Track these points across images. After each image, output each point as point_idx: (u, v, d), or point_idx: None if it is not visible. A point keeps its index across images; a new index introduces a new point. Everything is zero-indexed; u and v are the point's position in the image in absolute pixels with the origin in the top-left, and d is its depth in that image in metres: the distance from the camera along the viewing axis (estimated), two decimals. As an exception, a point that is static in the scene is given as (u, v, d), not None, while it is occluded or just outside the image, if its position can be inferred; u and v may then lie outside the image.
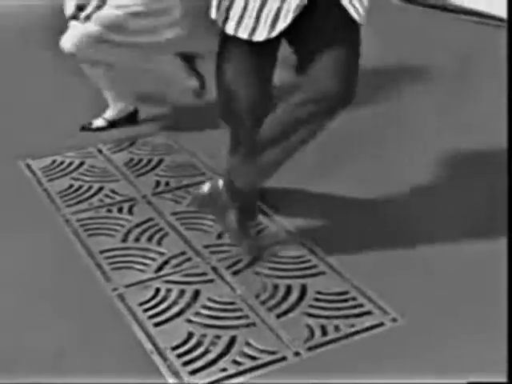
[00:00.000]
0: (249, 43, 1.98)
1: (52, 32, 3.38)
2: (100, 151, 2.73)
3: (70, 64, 2.94)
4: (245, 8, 1.95)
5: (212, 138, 2.84)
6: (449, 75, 3.42)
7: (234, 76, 2.12)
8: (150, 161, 2.65)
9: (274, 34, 1.92)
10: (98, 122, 2.98)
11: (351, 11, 1.93)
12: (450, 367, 1.72)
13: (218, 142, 2.77)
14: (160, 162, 2.65)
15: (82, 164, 2.63)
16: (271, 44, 2.02)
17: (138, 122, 3.01)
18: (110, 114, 2.99)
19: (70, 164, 2.63)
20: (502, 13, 4.16)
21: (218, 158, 2.60)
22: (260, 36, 1.94)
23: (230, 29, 1.98)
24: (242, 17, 1.96)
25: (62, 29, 2.75)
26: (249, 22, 1.95)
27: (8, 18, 4.66)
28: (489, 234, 2.18)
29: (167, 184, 2.49)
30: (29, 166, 2.62)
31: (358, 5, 1.94)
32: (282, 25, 1.91)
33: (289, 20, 1.91)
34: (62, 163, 2.64)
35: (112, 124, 2.98)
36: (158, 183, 2.50)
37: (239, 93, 2.14)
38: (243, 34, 1.95)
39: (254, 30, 1.95)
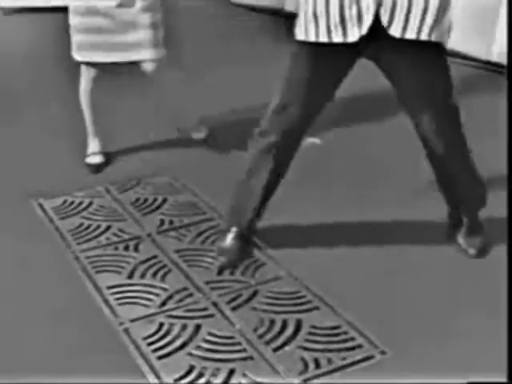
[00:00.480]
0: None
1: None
2: (108, 191, 2.88)
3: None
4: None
5: (213, 178, 2.99)
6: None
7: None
8: (154, 200, 2.80)
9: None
10: (96, 159, 3.19)
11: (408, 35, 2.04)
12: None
13: (218, 181, 2.95)
14: (164, 201, 2.79)
15: (91, 203, 2.77)
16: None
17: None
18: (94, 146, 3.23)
19: (80, 203, 2.78)
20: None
21: (219, 197, 2.78)
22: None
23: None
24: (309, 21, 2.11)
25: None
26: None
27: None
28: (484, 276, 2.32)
29: (171, 222, 2.63)
30: (41, 206, 2.76)
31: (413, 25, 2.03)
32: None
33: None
34: (72, 203, 2.79)
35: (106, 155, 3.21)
36: (162, 222, 2.64)
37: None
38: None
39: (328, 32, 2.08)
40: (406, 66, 2.18)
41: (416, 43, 2.09)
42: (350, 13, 2.04)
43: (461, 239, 2.52)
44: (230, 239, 2.43)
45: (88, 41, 3.05)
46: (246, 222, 2.42)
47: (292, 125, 2.24)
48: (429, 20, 2.07)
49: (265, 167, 2.31)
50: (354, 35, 2.05)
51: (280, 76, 2.25)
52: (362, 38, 2.07)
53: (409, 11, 2.05)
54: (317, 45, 2.14)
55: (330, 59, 2.18)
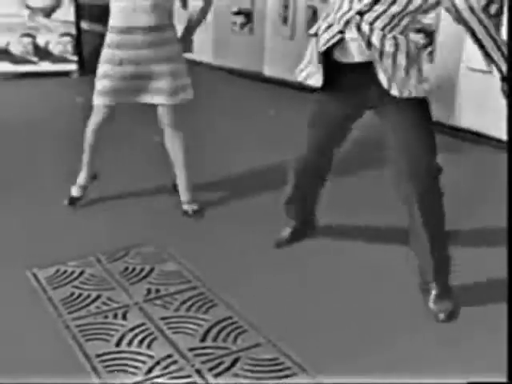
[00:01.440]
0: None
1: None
2: (99, 260, 3.02)
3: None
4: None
5: (198, 247, 3.16)
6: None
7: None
8: (142, 270, 2.95)
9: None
10: (74, 192, 3.62)
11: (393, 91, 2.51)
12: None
13: (203, 250, 3.12)
14: (151, 270, 2.94)
15: (82, 273, 2.91)
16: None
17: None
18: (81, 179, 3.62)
19: (72, 273, 2.92)
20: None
21: (203, 266, 2.94)
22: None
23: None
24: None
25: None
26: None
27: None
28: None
29: (157, 291, 2.77)
30: (35, 276, 2.90)
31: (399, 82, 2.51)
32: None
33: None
34: (65, 272, 2.93)
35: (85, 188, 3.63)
36: (149, 291, 2.78)
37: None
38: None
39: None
40: (395, 115, 2.61)
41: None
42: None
43: (431, 304, 2.68)
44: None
45: (106, 86, 3.39)
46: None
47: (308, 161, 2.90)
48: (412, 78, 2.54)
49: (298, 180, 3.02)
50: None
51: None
52: (363, 90, 2.59)
53: (397, 73, 2.52)
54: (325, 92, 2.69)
55: (336, 104, 2.71)
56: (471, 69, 4.70)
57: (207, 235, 3.31)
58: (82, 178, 3.67)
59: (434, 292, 2.69)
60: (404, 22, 2.50)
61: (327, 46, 2.56)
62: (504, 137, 4.24)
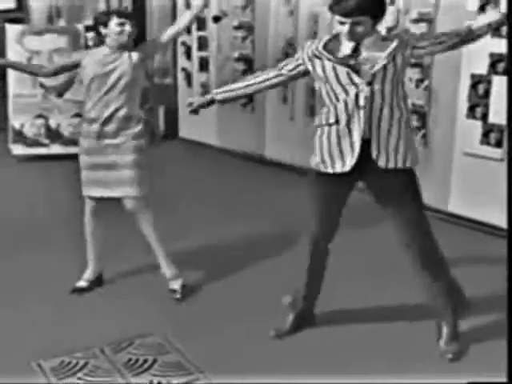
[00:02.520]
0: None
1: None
2: (103, 351, 3.11)
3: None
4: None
5: (199, 336, 3.24)
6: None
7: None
8: (145, 361, 3.03)
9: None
10: (81, 283, 3.77)
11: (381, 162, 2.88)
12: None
13: (204, 340, 3.19)
14: (154, 362, 3.02)
15: (86, 364, 3.00)
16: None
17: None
18: (87, 274, 3.79)
19: (76, 364, 3.00)
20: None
21: (205, 357, 3.00)
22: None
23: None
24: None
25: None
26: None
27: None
28: None
29: (159, 383, 2.85)
30: (40, 366, 2.99)
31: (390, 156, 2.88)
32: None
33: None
34: (69, 363, 3.01)
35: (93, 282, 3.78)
36: (151, 383, 2.85)
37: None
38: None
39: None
40: (386, 185, 2.94)
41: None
42: (345, 147, 2.90)
43: (442, 344, 3.07)
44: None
45: (89, 177, 3.65)
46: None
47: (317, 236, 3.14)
48: (401, 150, 2.87)
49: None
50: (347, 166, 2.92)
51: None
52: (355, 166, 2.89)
53: (388, 144, 2.85)
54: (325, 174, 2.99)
55: (335, 185, 3.01)
56: (466, 153, 4.82)
57: (207, 321, 3.40)
58: (88, 272, 3.82)
59: (445, 333, 3.06)
60: (400, 79, 2.86)
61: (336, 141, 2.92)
62: (500, 223, 4.28)
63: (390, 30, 5.32)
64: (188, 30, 7.80)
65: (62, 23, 11.20)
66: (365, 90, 2.81)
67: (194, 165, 6.92)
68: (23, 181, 6.44)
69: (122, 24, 3.50)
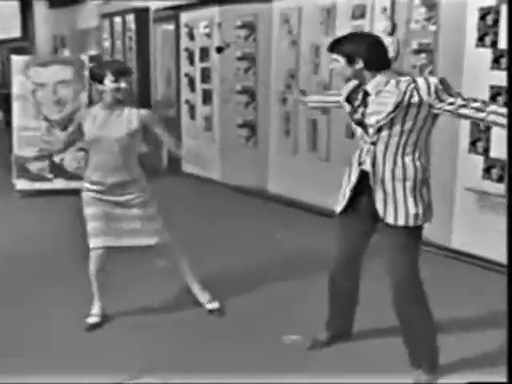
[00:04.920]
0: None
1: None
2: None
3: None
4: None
5: (199, 376, 3.19)
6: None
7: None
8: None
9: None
10: (93, 319, 3.78)
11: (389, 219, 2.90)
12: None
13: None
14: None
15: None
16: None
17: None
18: (95, 309, 3.81)
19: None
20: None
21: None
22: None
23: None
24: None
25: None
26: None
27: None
28: None
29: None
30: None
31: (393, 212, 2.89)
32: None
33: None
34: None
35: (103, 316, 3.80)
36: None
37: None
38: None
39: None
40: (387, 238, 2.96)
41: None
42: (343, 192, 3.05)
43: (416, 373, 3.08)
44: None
45: (99, 228, 3.64)
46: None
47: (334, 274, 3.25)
48: (403, 208, 2.87)
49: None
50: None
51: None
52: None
53: (395, 202, 2.87)
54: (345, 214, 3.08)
55: (353, 224, 3.10)
56: (468, 189, 4.80)
57: (208, 359, 3.35)
58: (96, 308, 3.83)
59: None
60: (413, 138, 2.84)
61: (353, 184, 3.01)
62: (501, 260, 4.26)
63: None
64: (191, 61, 7.90)
65: (66, 53, 11.36)
66: (367, 150, 2.91)
67: (196, 200, 6.93)
68: (27, 216, 6.46)
69: (116, 81, 3.48)
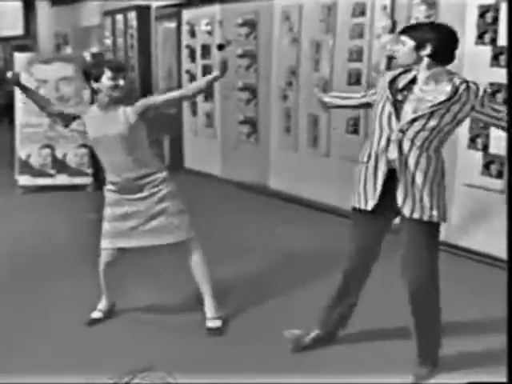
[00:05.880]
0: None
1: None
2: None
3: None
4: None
5: (204, 374, 3.21)
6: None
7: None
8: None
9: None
10: (96, 314, 3.79)
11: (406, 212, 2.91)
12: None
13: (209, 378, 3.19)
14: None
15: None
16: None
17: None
18: (102, 305, 3.82)
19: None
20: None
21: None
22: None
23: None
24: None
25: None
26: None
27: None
28: None
29: None
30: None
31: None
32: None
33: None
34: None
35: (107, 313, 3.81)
36: None
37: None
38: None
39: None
40: (406, 229, 2.95)
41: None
42: (369, 187, 2.97)
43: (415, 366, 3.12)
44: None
45: (108, 229, 3.61)
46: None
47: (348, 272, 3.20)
48: (426, 202, 2.87)
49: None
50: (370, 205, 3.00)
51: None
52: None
53: (413, 193, 2.86)
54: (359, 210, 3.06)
55: (368, 222, 3.06)
56: (467, 185, 4.84)
57: (212, 357, 3.40)
58: (102, 304, 3.85)
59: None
60: (441, 135, 2.86)
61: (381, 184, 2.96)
62: (501, 255, 4.29)
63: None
64: (192, 59, 7.93)
65: (68, 50, 11.39)
66: (395, 137, 2.87)
67: (198, 195, 6.95)
68: (29, 212, 6.49)
69: (114, 78, 3.35)
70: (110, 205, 3.60)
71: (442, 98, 2.80)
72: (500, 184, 4.55)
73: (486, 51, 4.58)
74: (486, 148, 4.66)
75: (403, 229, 2.98)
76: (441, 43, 2.82)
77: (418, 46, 2.82)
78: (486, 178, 4.66)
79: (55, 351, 3.47)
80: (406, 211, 2.89)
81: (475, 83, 2.87)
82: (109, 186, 3.60)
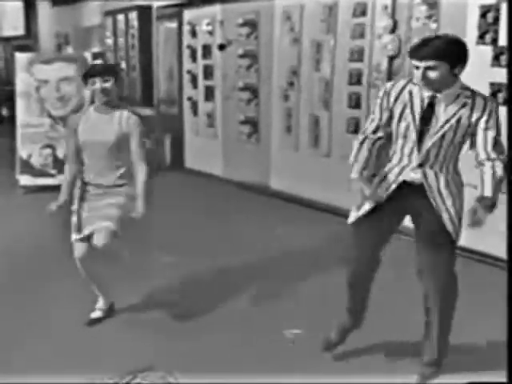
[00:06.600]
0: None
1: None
2: (105, 388, 3.14)
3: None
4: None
5: (204, 373, 3.21)
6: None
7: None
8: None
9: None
10: (96, 314, 3.81)
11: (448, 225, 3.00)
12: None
13: (209, 377, 3.19)
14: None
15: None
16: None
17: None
18: (100, 304, 3.83)
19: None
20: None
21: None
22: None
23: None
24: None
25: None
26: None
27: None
28: None
29: None
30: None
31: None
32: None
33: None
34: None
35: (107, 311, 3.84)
36: None
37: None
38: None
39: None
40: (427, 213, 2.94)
41: None
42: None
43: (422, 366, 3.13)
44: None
45: (74, 223, 3.66)
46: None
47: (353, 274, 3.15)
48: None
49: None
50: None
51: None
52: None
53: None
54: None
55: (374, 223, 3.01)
56: (467, 185, 4.80)
57: (212, 356, 3.39)
58: (100, 303, 3.87)
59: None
60: (457, 149, 2.95)
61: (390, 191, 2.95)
62: (501, 254, 4.30)
63: (391, 58, 5.39)
64: (193, 59, 7.94)
65: (69, 50, 11.40)
66: (419, 161, 2.88)
67: (198, 196, 6.97)
68: (30, 212, 6.47)
69: (93, 83, 3.44)
70: (77, 199, 3.65)
71: (458, 116, 2.80)
72: (501, 184, 4.54)
73: (487, 51, 4.58)
74: (486, 148, 4.65)
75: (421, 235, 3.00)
76: (466, 57, 2.80)
77: (452, 68, 2.75)
78: (487, 178, 4.65)
79: (55, 351, 3.47)
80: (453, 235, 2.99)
81: (485, 97, 2.86)
82: (82, 183, 3.64)
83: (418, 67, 2.72)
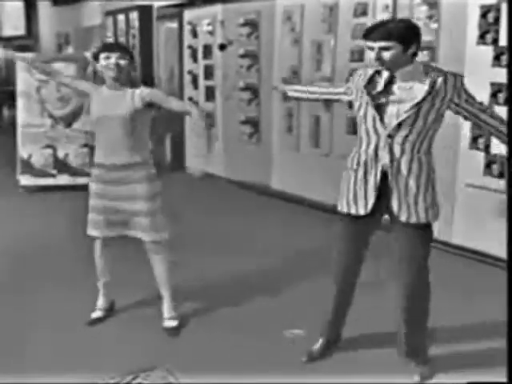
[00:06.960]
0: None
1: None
2: (106, 388, 3.14)
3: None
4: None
5: (205, 373, 3.21)
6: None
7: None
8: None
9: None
10: (97, 314, 3.82)
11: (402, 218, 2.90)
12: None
13: (209, 377, 3.19)
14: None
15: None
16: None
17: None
18: (100, 303, 3.85)
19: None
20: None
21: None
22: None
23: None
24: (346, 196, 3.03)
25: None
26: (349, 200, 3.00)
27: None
28: None
29: None
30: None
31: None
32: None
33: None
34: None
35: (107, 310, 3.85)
36: None
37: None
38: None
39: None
40: (402, 234, 2.95)
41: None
42: (360, 194, 2.94)
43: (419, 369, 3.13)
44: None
45: (94, 219, 3.65)
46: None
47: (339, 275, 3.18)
48: (421, 205, 2.87)
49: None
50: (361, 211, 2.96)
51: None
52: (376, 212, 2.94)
53: (407, 198, 2.86)
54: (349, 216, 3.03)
55: (357, 226, 3.04)
56: (468, 185, 4.83)
57: (213, 355, 3.40)
58: (100, 302, 3.87)
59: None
60: (430, 135, 2.85)
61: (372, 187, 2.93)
62: (501, 254, 4.30)
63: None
64: (194, 59, 7.93)
65: (70, 50, 11.40)
66: (384, 143, 2.84)
67: (199, 196, 6.96)
68: (31, 212, 6.50)
69: (107, 58, 3.42)
70: (92, 197, 3.64)
71: (422, 95, 2.77)
72: (502, 184, 4.54)
73: (488, 51, 4.57)
74: (487, 148, 4.66)
75: (398, 232, 2.98)
76: (419, 39, 2.82)
77: (405, 48, 2.77)
78: (488, 178, 4.66)
79: (56, 351, 3.47)
80: (403, 218, 2.89)
81: (454, 74, 2.84)
82: (94, 172, 3.62)
83: (372, 48, 2.78)
